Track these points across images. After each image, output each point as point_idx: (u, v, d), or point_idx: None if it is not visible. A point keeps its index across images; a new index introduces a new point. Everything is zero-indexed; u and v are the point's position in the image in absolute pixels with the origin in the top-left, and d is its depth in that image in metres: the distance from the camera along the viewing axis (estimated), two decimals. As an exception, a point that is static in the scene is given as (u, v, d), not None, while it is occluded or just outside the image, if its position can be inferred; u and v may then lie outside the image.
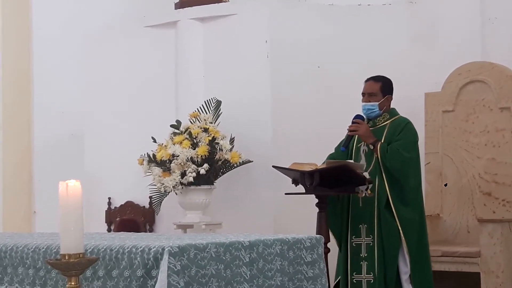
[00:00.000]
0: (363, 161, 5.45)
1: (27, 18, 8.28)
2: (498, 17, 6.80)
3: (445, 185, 6.51)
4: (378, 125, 5.52)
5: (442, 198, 6.55)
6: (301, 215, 6.00)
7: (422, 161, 6.54)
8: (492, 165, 6.35)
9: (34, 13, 8.27)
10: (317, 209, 5.37)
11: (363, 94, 5.52)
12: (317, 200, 5.38)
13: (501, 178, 6.30)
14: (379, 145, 5.36)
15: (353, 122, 5.46)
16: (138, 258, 3.33)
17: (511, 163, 6.27)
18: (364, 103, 5.49)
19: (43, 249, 3.64)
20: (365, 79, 5.59)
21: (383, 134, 5.46)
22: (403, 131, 5.44)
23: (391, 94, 5.55)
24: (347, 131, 5.48)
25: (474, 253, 5.92)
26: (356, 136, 5.50)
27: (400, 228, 5.28)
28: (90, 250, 3.47)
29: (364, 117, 5.52)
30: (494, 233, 5.84)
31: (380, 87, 5.49)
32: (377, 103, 5.47)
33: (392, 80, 5.60)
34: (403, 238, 5.28)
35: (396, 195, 5.32)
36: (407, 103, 6.67)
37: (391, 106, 5.57)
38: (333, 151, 5.64)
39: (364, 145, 5.49)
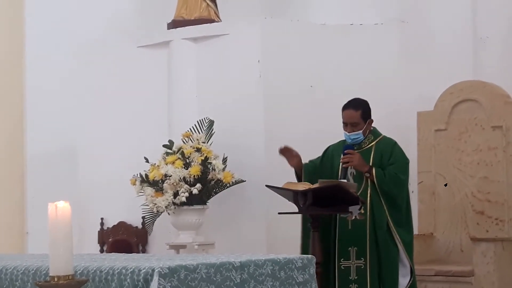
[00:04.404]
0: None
1: (20, 35, 8.27)
2: (490, 36, 6.82)
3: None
4: (364, 147, 5.48)
5: (435, 217, 6.54)
6: (294, 235, 5.98)
7: (415, 180, 6.56)
8: (484, 183, 6.35)
9: (27, 30, 8.27)
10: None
11: (345, 123, 5.44)
12: (310, 220, 5.36)
13: (494, 197, 6.30)
14: (374, 172, 5.34)
15: (344, 154, 5.40)
16: (128, 280, 3.31)
17: (503, 181, 6.27)
18: (349, 133, 5.43)
19: (33, 271, 3.62)
20: (343, 106, 5.48)
21: (370, 156, 5.43)
22: (394, 153, 5.42)
23: (371, 116, 5.48)
24: (341, 163, 5.41)
25: (468, 272, 5.91)
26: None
27: (405, 250, 5.29)
28: (80, 271, 3.44)
29: (352, 145, 5.46)
30: (488, 252, 5.83)
31: (361, 115, 5.41)
32: (361, 131, 5.44)
33: (368, 101, 5.50)
34: (407, 260, 5.29)
35: (393, 218, 5.32)
36: (399, 121, 6.71)
37: (372, 125, 5.52)
38: (307, 161, 5.61)
39: (351, 167, 5.44)
